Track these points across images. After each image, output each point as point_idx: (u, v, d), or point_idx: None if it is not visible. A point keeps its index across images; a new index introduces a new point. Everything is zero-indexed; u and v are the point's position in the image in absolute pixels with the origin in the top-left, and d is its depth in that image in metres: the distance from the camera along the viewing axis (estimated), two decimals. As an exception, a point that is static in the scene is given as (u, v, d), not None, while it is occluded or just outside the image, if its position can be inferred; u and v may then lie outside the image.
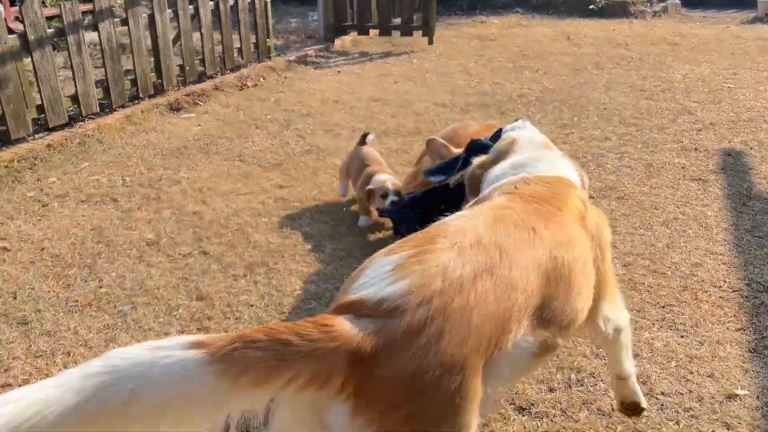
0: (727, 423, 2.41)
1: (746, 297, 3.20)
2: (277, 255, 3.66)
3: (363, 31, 9.80)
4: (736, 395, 2.54)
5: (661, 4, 12.42)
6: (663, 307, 3.14)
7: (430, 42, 9.49)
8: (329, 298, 3.17)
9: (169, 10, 6.56)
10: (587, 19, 11.94)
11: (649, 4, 12.46)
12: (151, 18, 6.35)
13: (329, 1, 9.27)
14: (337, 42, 9.59)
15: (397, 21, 9.62)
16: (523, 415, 2.47)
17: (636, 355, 2.77)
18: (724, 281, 3.33)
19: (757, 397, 2.53)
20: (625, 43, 9.65)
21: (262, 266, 3.54)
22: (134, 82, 6.25)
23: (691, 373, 2.68)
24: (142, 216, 4.15)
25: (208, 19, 7.09)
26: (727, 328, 2.96)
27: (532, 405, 2.52)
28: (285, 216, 4.14)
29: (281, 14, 12.03)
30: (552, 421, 2.45)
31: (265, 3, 8.05)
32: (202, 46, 7.11)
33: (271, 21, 8.28)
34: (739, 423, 2.41)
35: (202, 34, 7.01)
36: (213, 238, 3.86)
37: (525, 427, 2.41)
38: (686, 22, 11.60)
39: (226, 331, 2.98)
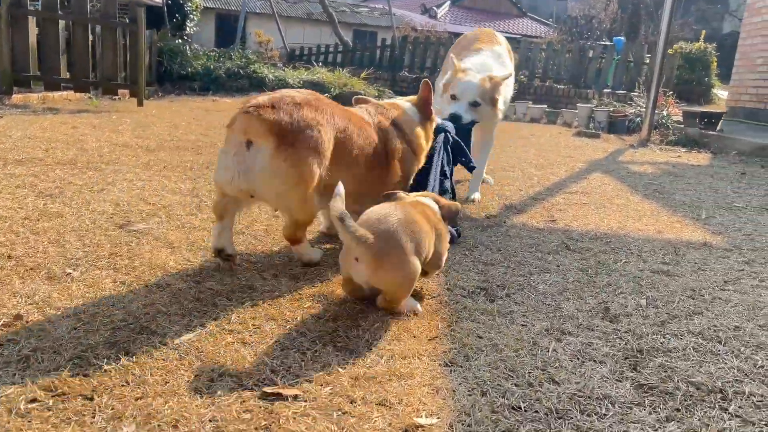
0: (397, 474, 1.32)
1: (445, 302, 2.31)
2: None
3: (52, 86, 8.14)
4: (419, 426, 1.49)
5: (391, 99, 12.97)
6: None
7: (140, 103, 8.23)
8: None
9: None
10: (322, 106, 11.86)
11: (381, 98, 12.97)
12: None
13: (3, 46, 7.53)
14: (18, 96, 7.79)
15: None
16: None
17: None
18: (420, 287, 2.43)
19: (450, 426, 1.51)
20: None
21: None
22: None
23: (353, 402, 1.58)
24: None
25: None
26: (418, 340, 1.98)
27: None
28: None
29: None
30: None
31: None
32: None
33: None
34: (417, 470, 1.33)
35: None
36: None
37: None
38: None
39: None
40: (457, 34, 22.22)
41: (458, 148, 3.39)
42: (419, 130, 2.94)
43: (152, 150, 5.19)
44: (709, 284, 2.73)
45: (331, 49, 18.95)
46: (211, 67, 12.79)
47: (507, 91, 4.03)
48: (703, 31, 18.34)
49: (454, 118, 3.48)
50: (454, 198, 3.09)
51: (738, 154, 7.76)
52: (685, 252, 3.23)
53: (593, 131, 9.41)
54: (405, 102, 3.03)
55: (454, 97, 3.55)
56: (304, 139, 2.20)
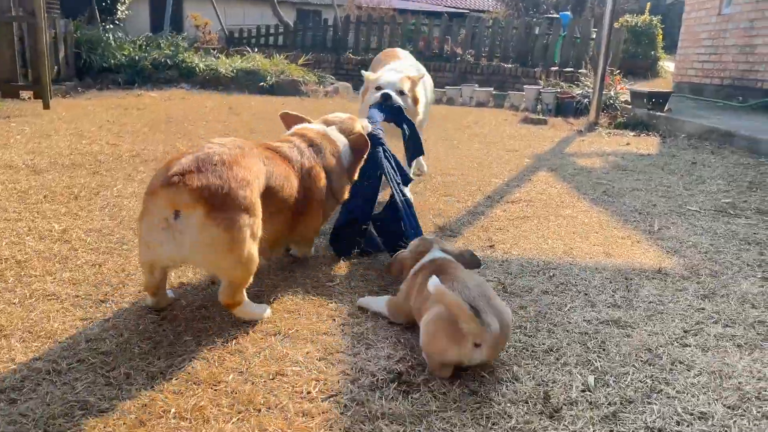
0: None
1: (344, 404, 1.81)
2: None
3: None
4: None
5: (333, 86, 12.33)
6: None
7: (46, 105, 7.41)
8: None
9: None
10: (258, 96, 11.13)
11: (321, 86, 12.30)
12: None
13: None
14: None
15: None
16: None
17: None
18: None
19: None
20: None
21: None
22: None
23: None
24: None
25: None
26: None
27: None
28: None
29: None
30: None
31: None
32: None
33: None
34: None
35: None
36: None
37: None
38: (355, 101, 11.53)
39: None
40: (403, 11, 21.50)
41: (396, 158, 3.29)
42: (345, 179, 2.89)
43: (40, 171, 4.50)
44: (666, 338, 2.31)
45: (272, 31, 18.05)
46: (137, 57, 11.86)
47: (427, 94, 4.35)
48: (648, 3, 18.17)
49: (386, 97, 3.59)
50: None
51: (687, 137, 7.49)
52: (638, 286, 2.82)
53: (540, 117, 9.03)
54: (343, 138, 2.91)
55: (379, 88, 3.71)
56: (236, 201, 2.05)
